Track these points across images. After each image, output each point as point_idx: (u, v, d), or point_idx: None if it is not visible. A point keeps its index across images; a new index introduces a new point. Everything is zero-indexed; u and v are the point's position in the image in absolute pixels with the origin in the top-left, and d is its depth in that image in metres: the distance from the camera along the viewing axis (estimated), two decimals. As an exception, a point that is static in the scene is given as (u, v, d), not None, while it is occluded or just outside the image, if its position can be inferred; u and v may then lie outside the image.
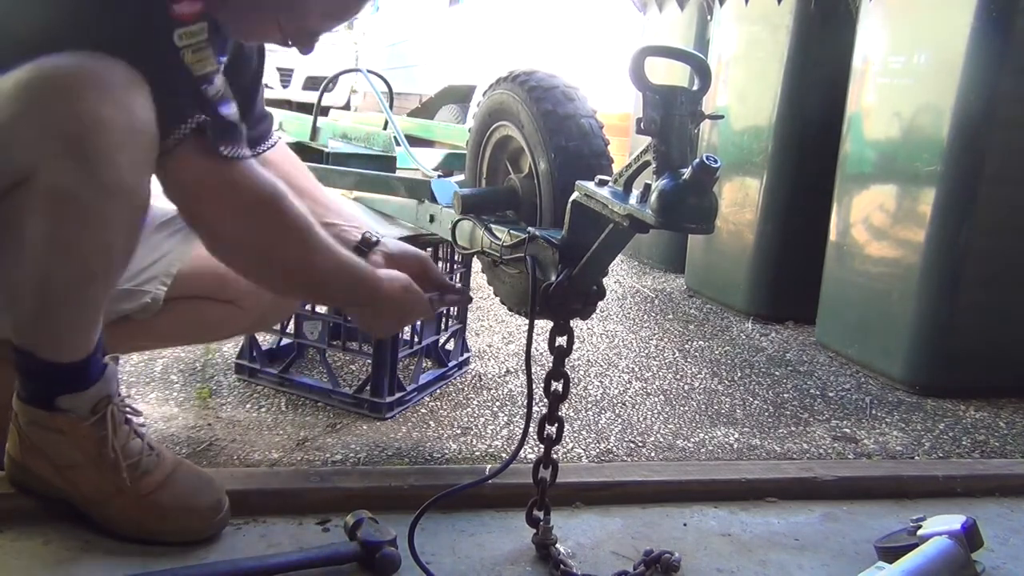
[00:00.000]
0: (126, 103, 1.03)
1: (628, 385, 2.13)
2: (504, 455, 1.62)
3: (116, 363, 1.31)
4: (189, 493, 1.26)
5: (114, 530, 1.23)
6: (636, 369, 2.26)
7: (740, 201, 2.98)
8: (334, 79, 3.02)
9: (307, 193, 1.43)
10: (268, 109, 1.50)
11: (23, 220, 1.06)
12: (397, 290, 1.31)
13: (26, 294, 1.12)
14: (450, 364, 2.05)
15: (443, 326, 2.03)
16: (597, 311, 1.36)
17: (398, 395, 1.80)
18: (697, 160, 1.01)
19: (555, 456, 1.34)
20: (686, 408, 2.00)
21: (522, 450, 1.28)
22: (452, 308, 2.05)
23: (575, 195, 1.21)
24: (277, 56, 4.04)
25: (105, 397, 1.21)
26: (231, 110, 1.13)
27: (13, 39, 1.07)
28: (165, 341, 1.69)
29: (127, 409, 1.26)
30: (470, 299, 1.54)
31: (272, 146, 1.48)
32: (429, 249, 1.84)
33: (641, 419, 1.90)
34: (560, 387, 1.30)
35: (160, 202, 1.18)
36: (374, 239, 1.40)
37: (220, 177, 1.12)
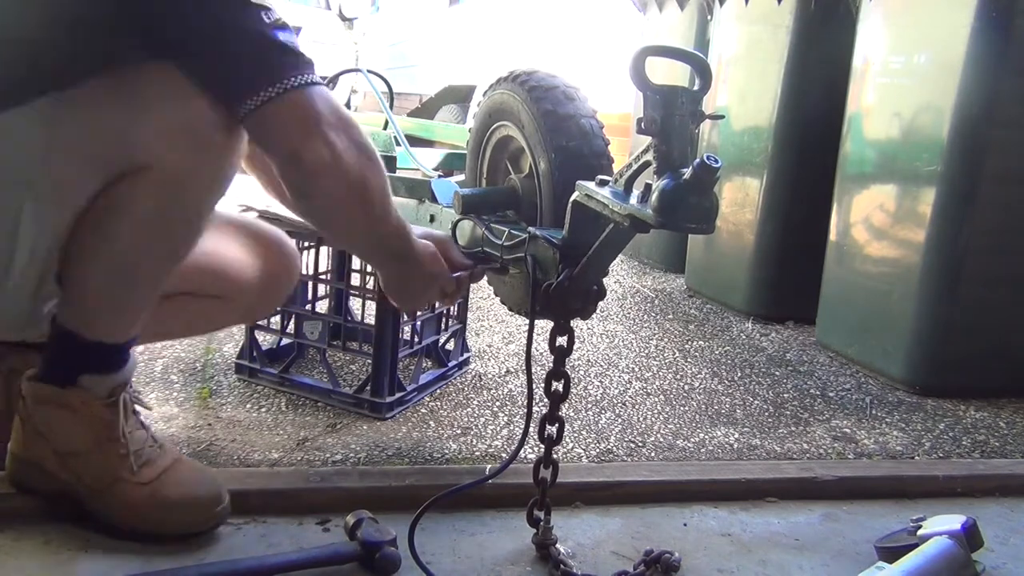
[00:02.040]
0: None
1: (628, 385, 2.13)
2: (504, 455, 1.62)
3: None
4: (190, 484, 1.27)
5: (114, 522, 1.23)
6: (636, 369, 2.26)
7: (740, 201, 2.98)
8: (334, 79, 3.02)
9: None
10: None
11: (130, 203, 1.15)
12: (427, 254, 1.33)
13: (102, 276, 1.18)
14: (450, 364, 2.04)
15: (443, 326, 2.03)
16: (597, 311, 1.36)
17: (398, 395, 1.80)
18: (698, 160, 1.01)
19: (555, 456, 1.34)
20: (686, 408, 2.00)
21: (522, 450, 1.28)
22: (452, 308, 2.05)
23: (575, 195, 1.21)
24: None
25: (123, 383, 1.26)
26: (291, 37, 1.13)
27: None
28: (157, 336, 1.70)
29: (137, 400, 1.31)
30: (495, 269, 1.49)
31: None
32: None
33: (641, 419, 1.90)
34: (560, 387, 1.30)
35: None
36: None
37: (304, 107, 1.12)
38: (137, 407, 1.31)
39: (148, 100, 1.12)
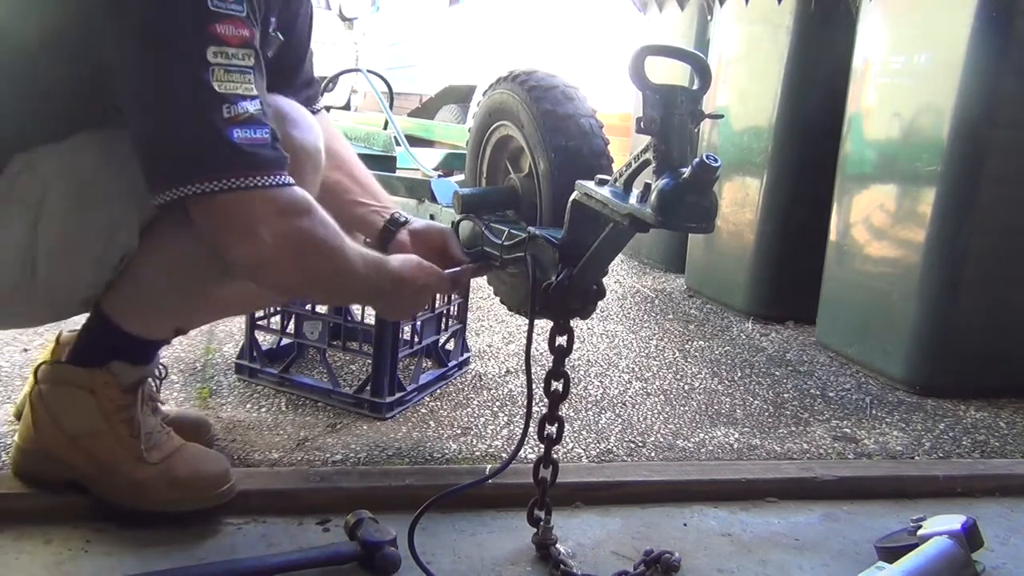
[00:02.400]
0: (316, 139, 1.27)
1: (628, 385, 2.13)
2: (504, 455, 1.62)
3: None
4: (198, 462, 1.32)
5: (122, 502, 1.26)
6: (636, 369, 2.26)
7: (740, 201, 2.98)
8: (334, 79, 3.03)
9: (345, 167, 1.51)
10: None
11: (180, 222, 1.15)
12: (409, 269, 1.33)
13: (162, 279, 1.23)
14: (450, 364, 2.04)
15: (443, 326, 2.03)
16: (597, 311, 1.36)
17: (398, 395, 1.80)
18: (697, 159, 1.01)
19: (555, 456, 1.34)
20: (686, 408, 2.00)
21: (522, 450, 1.28)
22: (452, 308, 2.05)
23: (575, 195, 1.21)
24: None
25: (146, 377, 1.32)
26: (257, 134, 1.08)
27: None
28: (218, 316, 1.77)
29: (154, 391, 1.37)
30: (493, 267, 1.47)
31: (318, 112, 1.51)
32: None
33: (641, 419, 1.90)
34: (560, 387, 1.30)
35: None
36: (402, 219, 1.48)
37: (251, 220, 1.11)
38: (154, 398, 1.39)
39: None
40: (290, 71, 1.40)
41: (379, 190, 1.55)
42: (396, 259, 1.33)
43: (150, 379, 1.35)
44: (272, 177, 1.10)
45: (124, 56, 1.07)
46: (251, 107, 1.07)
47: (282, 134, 1.15)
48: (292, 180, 1.13)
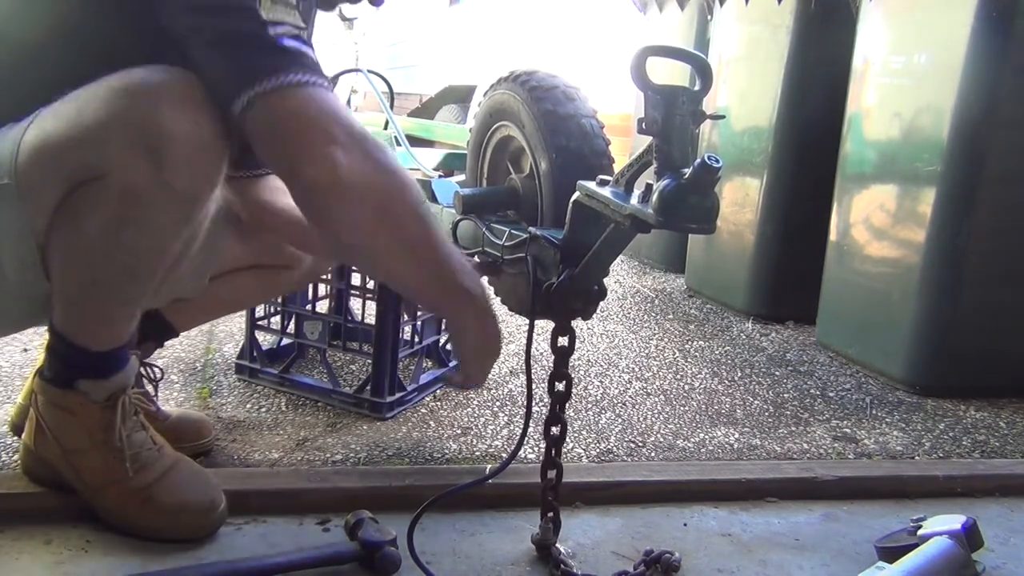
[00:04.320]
0: (201, 120, 1.08)
1: (628, 385, 2.13)
2: (504, 455, 1.62)
3: (148, 355, 1.48)
4: (184, 490, 1.27)
5: (109, 522, 1.24)
6: (636, 369, 2.26)
7: (740, 201, 2.98)
8: (334, 79, 3.02)
9: None
10: None
11: (84, 215, 1.10)
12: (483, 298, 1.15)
13: (73, 284, 1.16)
14: (451, 364, 2.04)
15: (443, 326, 2.03)
16: (597, 311, 1.36)
17: (398, 395, 1.80)
18: (698, 160, 1.01)
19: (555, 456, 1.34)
20: (686, 408, 2.00)
21: (521, 450, 1.28)
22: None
23: (576, 195, 1.21)
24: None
25: (122, 388, 1.25)
26: (304, 48, 1.07)
27: None
28: (231, 309, 1.76)
29: (141, 402, 1.31)
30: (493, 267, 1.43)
31: None
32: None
33: (641, 419, 1.90)
34: (563, 387, 1.30)
35: None
36: None
37: (307, 104, 1.04)
38: (140, 408, 1.31)
39: (110, 103, 1.06)
40: None
41: None
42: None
43: (131, 389, 1.27)
44: (321, 77, 1.07)
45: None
46: (295, 30, 1.07)
47: (141, 113, 1.06)
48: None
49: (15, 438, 1.48)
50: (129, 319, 1.22)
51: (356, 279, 1.92)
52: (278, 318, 1.91)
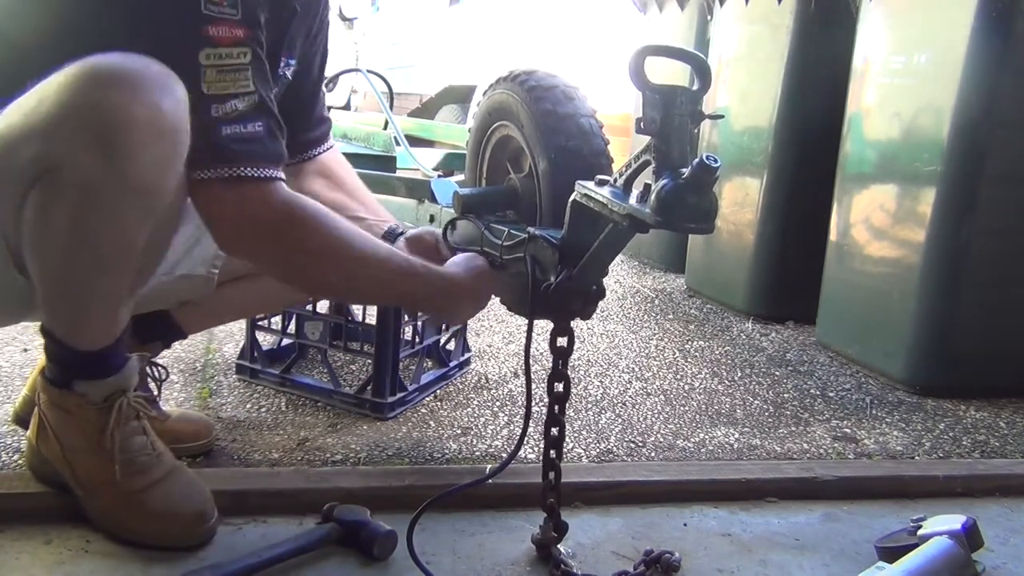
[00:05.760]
0: (156, 103, 1.05)
1: (628, 385, 2.13)
2: (504, 455, 1.62)
3: (156, 354, 1.53)
4: (176, 499, 1.26)
5: (98, 523, 1.24)
6: (636, 369, 2.26)
7: (740, 201, 2.98)
8: (334, 79, 3.03)
9: (346, 188, 1.56)
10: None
11: (44, 208, 1.09)
12: (476, 278, 1.36)
13: (46, 280, 1.15)
14: (451, 364, 2.05)
15: (444, 326, 2.03)
16: (597, 311, 1.36)
17: (399, 395, 1.80)
18: (697, 160, 1.01)
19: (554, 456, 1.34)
20: (686, 408, 2.00)
21: (521, 450, 1.28)
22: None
23: (575, 195, 1.21)
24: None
25: (120, 390, 1.24)
26: (248, 128, 1.12)
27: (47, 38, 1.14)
28: (240, 314, 1.80)
29: (143, 405, 1.28)
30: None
31: (328, 148, 1.58)
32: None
33: (641, 419, 1.90)
34: (561, 388, 1.30)
35: None
36: (399, 231, 1.49)
37: (242, 204, 1.14)
38: (143, 412, 1.28)
39: (62, 91, 1.05)
40: (297, 111, 1.42)
41: (379, 208, 1.60)
42: (456, 264, 1.37)
43: (132, 392, 1.26)
44: (259, 169, 1.14)
45: None
46: (241, 104, 1.11)
47: (90, 100, 1.04)
48: (282, 176, 1.17)
49: (15, 438, 1.48)
50: (110, 316, 1.19)
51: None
52: (279, 318, 1.91)
